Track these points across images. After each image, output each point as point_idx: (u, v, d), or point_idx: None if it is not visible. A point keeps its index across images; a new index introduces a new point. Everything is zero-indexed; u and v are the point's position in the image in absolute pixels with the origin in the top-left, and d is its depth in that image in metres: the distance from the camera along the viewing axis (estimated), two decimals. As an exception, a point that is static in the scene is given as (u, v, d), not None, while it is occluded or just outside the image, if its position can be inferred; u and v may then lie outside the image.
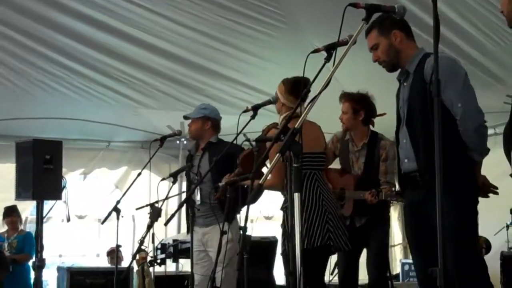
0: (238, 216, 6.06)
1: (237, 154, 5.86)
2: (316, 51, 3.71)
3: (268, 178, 5.37)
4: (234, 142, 5.69)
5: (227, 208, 5.19)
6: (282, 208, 5.39)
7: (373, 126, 6.43)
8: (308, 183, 5.26)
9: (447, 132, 3.21)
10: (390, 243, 10.80)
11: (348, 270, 6.25)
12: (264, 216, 10.92)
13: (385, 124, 5.92)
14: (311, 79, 3.57)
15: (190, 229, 5.95)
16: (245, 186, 5.39)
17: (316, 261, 5.22)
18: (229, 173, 5.83)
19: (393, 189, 6.06)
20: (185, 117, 6.78)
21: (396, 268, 10.67)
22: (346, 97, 6.32)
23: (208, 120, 6.65)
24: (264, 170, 5.27)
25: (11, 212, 9.28)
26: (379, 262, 6.28)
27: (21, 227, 9.48)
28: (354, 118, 6.27)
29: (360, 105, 6.27)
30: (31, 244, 8.86)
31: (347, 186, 6.23)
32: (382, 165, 6.28)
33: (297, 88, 5.30)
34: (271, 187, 5.36)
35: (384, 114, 6.44)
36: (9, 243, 9.24)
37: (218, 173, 5.97)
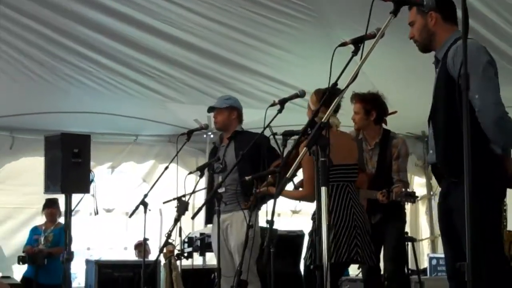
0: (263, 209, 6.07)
1: (264, 145, 5.86)
2: (343, 44, 3.69)
3: (300, 189, 5.42)
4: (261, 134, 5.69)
5: (253, 202, 5.18)
6: (312, 218, 5.35)
7: (386, 124, 6.44)
8: (340, 195, 5.23)
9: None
10: (418, 237, 10.79)
11: (371, 266, 6.27)
12: (291, 210, 10.91)
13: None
14: (339, 73, 3.55)
15: (217, 223, 5.94)
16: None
17: (338, 274, 5.25)
18: (254, 162, 5.83)
19: (403, 189, 6.11)
20: (211, 108, 6.77)
21: (423, 262, 10.60)
22: (357, 97, 6.34)
23: (234, 110, 6.68)
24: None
25: (52, 204, 9.31)
26: (395, 255, 6.36)
27: (59, 220, 9.51)
28: (366, 119, 6.32)
29: (371, 105, 6.31)
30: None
31: (361, 184, 6.26)
32: (394, 164, 6.35)
33: (329, 98, 5.26)
34: (303, 198, 5.38)
35: (395, 112, 6.45)
36: (45, 237, 9.30)
37: (244, 162, 5.95)
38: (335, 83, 3.57)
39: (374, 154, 6.40)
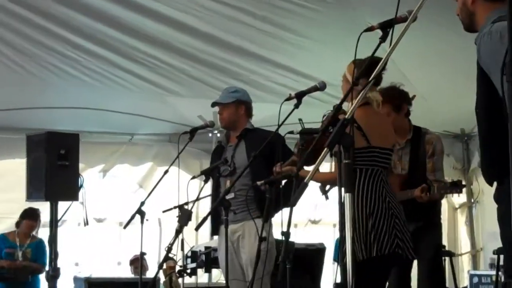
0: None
1: (278, 144, 5.83)
2: (369, 29, 3.67)
3: (326, 171, 5.40)
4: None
5: (266, 210, 5.17)
6: None
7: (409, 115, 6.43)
8: (373, 182, 5.20)
9: (502, 125, 3.04)
10: (456, 252, 10.77)
11: (400, 284, 6.25)
12: (310, 220, 10.91)
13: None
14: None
15: (225, 234, 5.94)
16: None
17: (381, 271, 5.22)
18: (269, 164, 5.79)
19: (446, 183, 6.04)
20: (214, 104, 6.76)
21: (463, 280, 10.59)
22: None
23: (242, 104, 6.66)
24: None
25: (35, 216, 9.29)
26: (433, 272, 6.33)
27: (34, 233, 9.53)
28: (397, 116, 6.28)
29: (399, 100, 6.29)
30: (44, 253, 8.97)
31: (391, 188, 6.23)
32: (428, 162, 6.34)
33: (371, 70, 5.21)
34: (330, 181, 5.36)
35: (415, 96, 6.40)
36: (23, 253, 9.31)
37: (257, 164, 5.89)
38: (360, 74, 3.56)
39: (405, 153, 6.38)
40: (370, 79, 3.58)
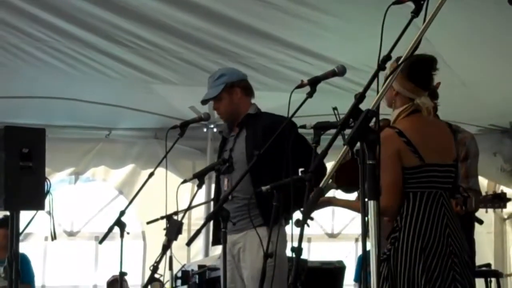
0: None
1: (288, 132, 5.74)
2: (399, 2, 3.68)
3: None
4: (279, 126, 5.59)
5: (273, 219, 5.15)
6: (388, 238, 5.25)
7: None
8: (432, 208, 5.14)
9: None
10: (504, 271, 10.76)
11: None
12: (327, 233, 10.92)
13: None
14: (394, 40, 3.54)
15: (222, 250, 5.93)
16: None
17: None
18: (274, 160, 5.73)
19: (486, 193, 5.99)
20: (204, 102, 6.74)
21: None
22: None
23: (234, 87, 6.60)
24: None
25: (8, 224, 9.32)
26: None
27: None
28: None
29: None
30: (29, 269, 9.01)
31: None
32: (461, 167, 6.25)
33: (420, 70, 5.16)
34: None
35: (437, 84, 6.34)
36: (5, 269, 9.30)
37: (257, 162, 5.72)
38: (387, 56, 3.56)
39: None
40: (400, 62, 3.57)
